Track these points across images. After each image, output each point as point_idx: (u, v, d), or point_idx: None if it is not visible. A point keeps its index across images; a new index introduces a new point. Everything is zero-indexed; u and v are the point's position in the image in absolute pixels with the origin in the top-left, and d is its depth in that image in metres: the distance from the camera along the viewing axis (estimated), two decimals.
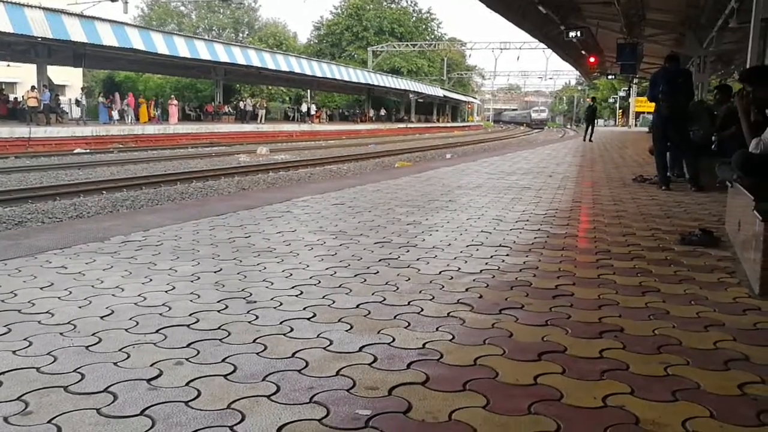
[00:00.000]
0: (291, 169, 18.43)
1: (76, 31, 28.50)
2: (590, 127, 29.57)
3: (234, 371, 2.42)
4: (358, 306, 3.26)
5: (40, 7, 27.55)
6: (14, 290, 3.46)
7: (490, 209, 6.80)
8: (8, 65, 41.92)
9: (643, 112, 60.25)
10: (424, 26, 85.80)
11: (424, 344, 2.73)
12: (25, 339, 2.73)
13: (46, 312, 3.10)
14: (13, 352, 2.58)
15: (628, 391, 2.31)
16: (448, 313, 3.16)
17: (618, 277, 3.96)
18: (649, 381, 2.41)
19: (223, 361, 2.51)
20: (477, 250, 4.72)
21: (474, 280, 3.83)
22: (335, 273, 3.94)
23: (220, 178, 15.86)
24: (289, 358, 2.56)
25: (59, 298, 3.34)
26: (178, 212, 6.56)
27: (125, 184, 13.82)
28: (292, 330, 2.89)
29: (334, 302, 3.32)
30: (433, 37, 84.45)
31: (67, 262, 4.13)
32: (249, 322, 2.99)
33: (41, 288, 3.52)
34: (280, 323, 2.97)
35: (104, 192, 12.67)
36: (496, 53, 67.85)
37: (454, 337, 2.83)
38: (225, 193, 12.85)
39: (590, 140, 27.90)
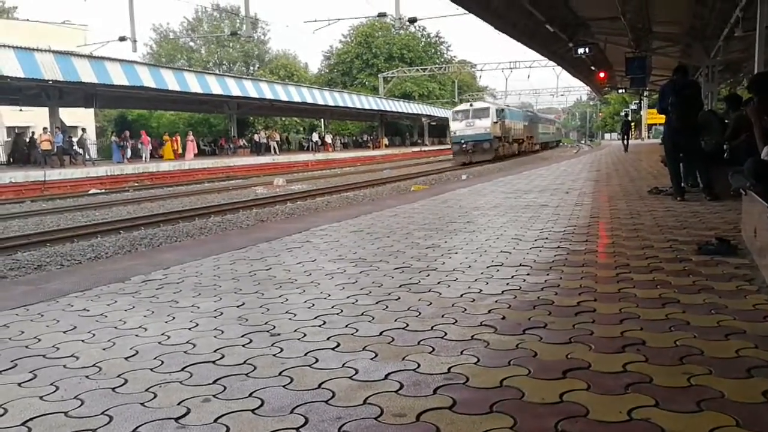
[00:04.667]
0: (308, 199, 18.51)
1: (86, 72, 28.91)
2: (626, 139, 35.63)
3: (261, 405, 2.43)
4: (381, 333, 3.26)
5: (49, 51, 27.99)
6: (38, 335, 3.49)
7: (508, 229, 6.80)
8: (21, 110, 42.55)
9: (655, 124, 60.16)
10: (433, 50, 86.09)
11: (449, 368, 2.73)
12: (51, 384, 2.75)
13: (71, 355, 3.13)
14: (41, 397, 2.61)
15: (652, 403, 2.31)
16: (472, 336, 3.16)
17: (638, 290, 3.95)
18: (673, 392, 2.41)
19: (250, 395, 2.53)
20: (497, 270, 4.71)
21: (496, 301, 3.82)
22: (357, 301, 3.95)
23: (239, 211, 15.94)
24: (316, 389, 2.56)
25: (83, 341, 3.36)
26: (197, 248, 6.60)
27: (143, 223, 13.92)
28: (317, 361, 2.90)
29: (357, 331, 3.33)
30: (442, 60, 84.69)
31: (88, 305, 4.16)
32: (274, 355, 3.01)
33: (64, 332, 3.55)
34: (305, 354, 2.98)
35: (122, 231, 12.76)
36: (506, 73, 66.89)
37: (479, 360, 2.83)
38: (244, 226, 12.93)
39: (626, 151, 31.49)
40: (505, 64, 64.39)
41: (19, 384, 2.77)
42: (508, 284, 4.25)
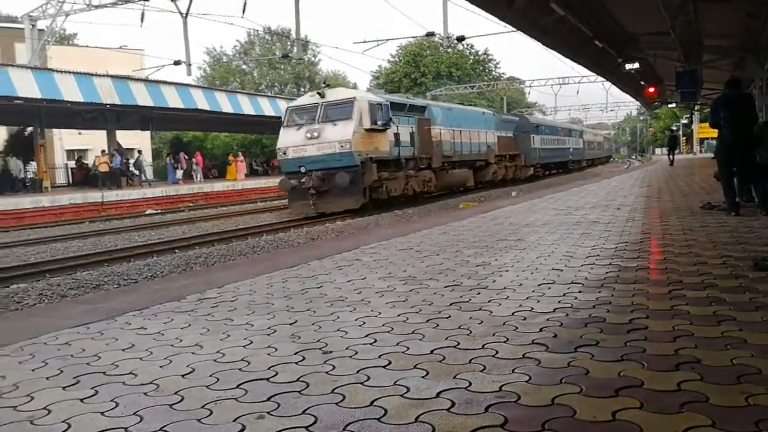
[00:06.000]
0: (357, 217, 18.59)
1: (142, 96, 29.79)
2: (672, 154, 34.52)
3: (315, 422, 2.47)
4: (432, 351, 3.28)
5: (107, 75, 28.92)
6: (98, 353, 3.60)
7: (559, 246, 6.75)
8: (80, 133, 43.77)
9: (707, 138, 58.99)
10: (481, 67, 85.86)
11: (500, 387, 2.74)
12: (111, 400, 2.84)
13: (130, 373, 3.22)
14: (102, 413, 2.70)
15: (709, 423, 2.28)
16: (524, 355, 3.16)
17: (692, 307, 3.89)
18: (731, 412, 2.37)
19: (303, 412, 2.57)
20: (549, 288, 4.69)
21: (547, 319, 3.81)
22: (407, 319, 3.97)
23: (290, 229, 16.11)
24: (368, 406, 2.60)
25: (141, 358, 3.46)
26: (250, 267, 6.72)
27: (197, 242, 14.18)
28: (369, 378, 2.93)
29: (408, 349, 3.35)
30: (491, 77, 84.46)
31: (146, 323, 4.28)
32: (326, 372, 3.05)
33: (123, 349, 3.65)
34: (357, 372, 3.02)
35: (177, 251, 13.00)
36: (555, 89, 63.95)
37: (530, 378, 2.83)
38: (295, 244, 13.05)
39: (672, 164, 32.06)
40: (554, 80, 63.41)
41: (82, 400, 2.86)
42: (559, 302, 4.23)
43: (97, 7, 29.77)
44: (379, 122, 19.63)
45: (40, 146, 31.79)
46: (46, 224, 21.59)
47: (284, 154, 19.72)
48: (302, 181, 18.99)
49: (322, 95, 20.21)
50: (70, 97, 26.72)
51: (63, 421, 2.63)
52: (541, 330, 3.58)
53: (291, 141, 19.58)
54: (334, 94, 20.34)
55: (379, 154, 19.93)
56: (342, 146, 18.76)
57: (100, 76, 28.67)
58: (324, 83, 21.49)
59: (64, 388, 3.05)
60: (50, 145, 37.41)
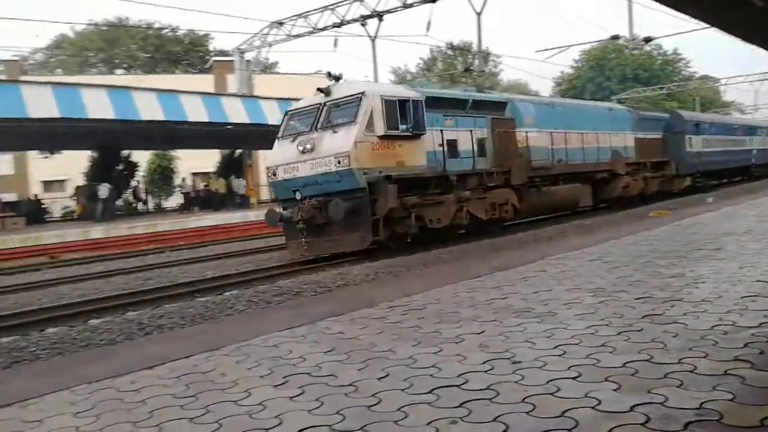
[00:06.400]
0: (538, 227, 18.28)
1: None
2: None
3: (506, 430, 2.51)
4: (624, 365, 3.20)
5: (272, 98, 31.04)
6: (302, 355, 3.87)
7: (764, 256, 6.31)
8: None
9: None
10: (671, 68, 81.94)
11: (700, 404, 2.63)
12: (316, 399, 3.04)
13: (331, 374, 3.42)
14: (308, 411, 2.90)
15: None
16: (726, 371, 3.00)
17: None
18: None
19: (494, 420, 2.61)
20: (753, 301, 4.41)
21: (752, 334, 3.59)
22: (597, 331, 3.90)
23: (472, 241, 16.14)
24: (559, 417, 2.59)
25: (341, 361, 3.67)
26: (436, 276, 6.85)
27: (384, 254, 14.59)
28: (558, 389, 2.92)
29: (598, 361, 3.30)
30: (680, 77, 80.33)
31: (343, 328, 4.53)
32: (515, 381, 3.07)
33: (325, 353, 3.90)
34: (547, 383, 3.02)
35: (366, 261, 13.45)
36: (755, 85, 57.61)
37: (734, 397, 2.69)
38: (478, 255, 13.07)
39: None
40: (754, 75, 58.57)
41: (291, 398, 3.10)
42: (766, 316, 3.96)
43: (296, 36, 31.71)
44: (404, 126, 14.01)
45: (248, 166, 34.16)
46: (253, 237, 23.25)
47: (273, 174, 14.57)
48: (292, 211, 13.88)
49: (326, 93, 14.50)
50: (272, 121, 28.88)
51: (275, 417, 2.86)
52: (745, 346, 3.38)
53: (282, 157, 14.46)
54: (340, 90, 14.57)
55: (405, 170, 14.18)
56: (339, 162, 13.21)
57: (298, 100, 30.61)
58: (329, 75, 15.50)
59: (275, 386, 3.31)
60: (255, 165, 40.07)
